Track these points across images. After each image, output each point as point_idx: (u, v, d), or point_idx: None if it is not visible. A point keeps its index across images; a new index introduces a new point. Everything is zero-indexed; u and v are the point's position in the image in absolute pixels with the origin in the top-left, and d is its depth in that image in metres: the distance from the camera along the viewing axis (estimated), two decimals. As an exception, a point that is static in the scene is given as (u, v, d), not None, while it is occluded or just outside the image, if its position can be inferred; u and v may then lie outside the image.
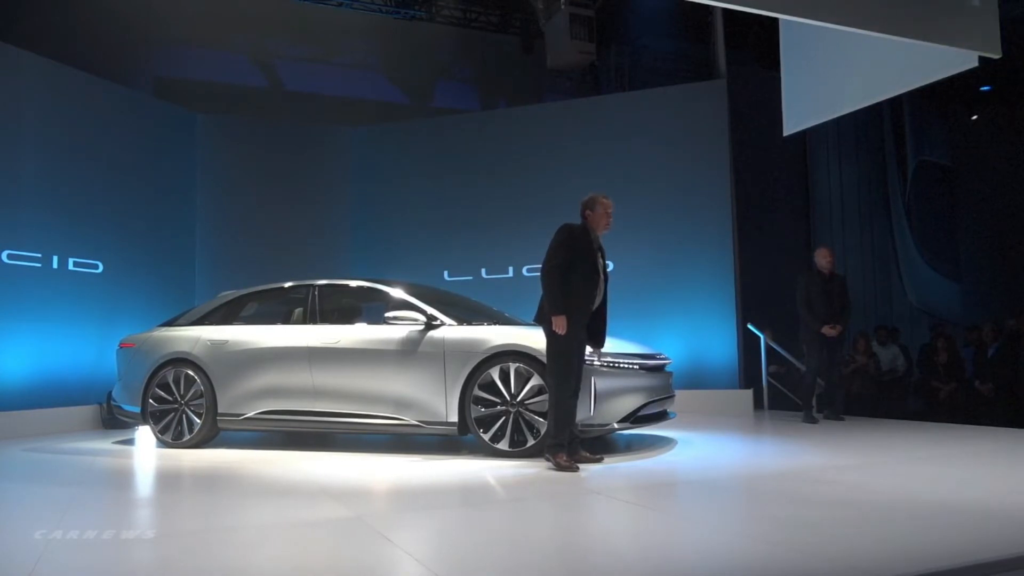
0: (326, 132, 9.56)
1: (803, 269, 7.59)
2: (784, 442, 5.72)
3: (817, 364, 6.78)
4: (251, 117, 9.46)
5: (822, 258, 6.84)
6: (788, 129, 7.35)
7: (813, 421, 6.64)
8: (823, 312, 6.63)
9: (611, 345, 5.01)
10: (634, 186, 8.42)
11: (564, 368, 4.41)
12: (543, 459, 4.48)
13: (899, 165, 11.93)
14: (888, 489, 3.77)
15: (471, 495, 3.97)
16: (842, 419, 6.77)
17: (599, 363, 4.78)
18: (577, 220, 4.61)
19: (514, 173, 8.83)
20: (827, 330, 6.58)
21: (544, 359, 4.58)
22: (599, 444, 5.30)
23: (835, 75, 6.61)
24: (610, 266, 4.94)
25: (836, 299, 6.70)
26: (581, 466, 4.41)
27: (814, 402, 6.85)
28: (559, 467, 4.33)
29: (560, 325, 4.32)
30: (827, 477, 4.13)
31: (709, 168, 8.32)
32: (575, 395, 4.51)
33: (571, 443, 4.53)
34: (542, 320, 4.47)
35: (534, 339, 4.73)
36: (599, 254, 4.60)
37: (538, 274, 4.57)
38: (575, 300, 4.42)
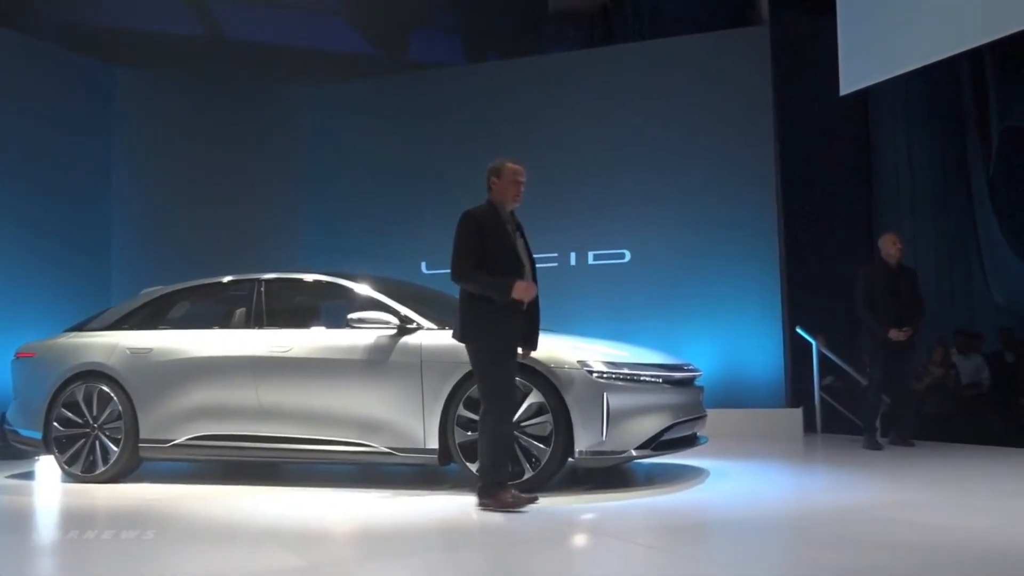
0: (277, 92, 9.56)
1: (864, 260, 7.57)
2: (840, 473, 5.75)
3: (882, 377, 6.78)
4: (183, 73, 9.42)
5: (890, 246, 6.82)
6: (846, 88, 7.36)
7: (876, 447, 6.64)
8: (889, 313, 6.62)
9: (628, 353, 5.02)
10: (656, 157, 8.40)
11: (505, 385, 4.30)
12: (478, 506, 4.29)
13: (980, 132, 11.90)
14: (960, 532, 3.77)
15: (453, 538, 3.96)
16: (912, 444, 6.77)
17: (613, 375, 4.76)
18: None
19: (507, 140, 8.76)
20: (895, 334, 6.58)
21: (545, 371, 4.62)
22: (612, 475, 5.29)
23: (902, 23, 6.61)
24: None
25: (905, 297, 6.69)
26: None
27: (878, 424, 6.86)
28: (504, 507, 4.20)
29: (521, 291, 4.24)
30: (889, 516, 4.13)
31: (748, 135, 8.31)
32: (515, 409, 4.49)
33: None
34: (464, 337, 4.36)
35: (532, 345, 4.71)
36: (518, 234, 4.49)
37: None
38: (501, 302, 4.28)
